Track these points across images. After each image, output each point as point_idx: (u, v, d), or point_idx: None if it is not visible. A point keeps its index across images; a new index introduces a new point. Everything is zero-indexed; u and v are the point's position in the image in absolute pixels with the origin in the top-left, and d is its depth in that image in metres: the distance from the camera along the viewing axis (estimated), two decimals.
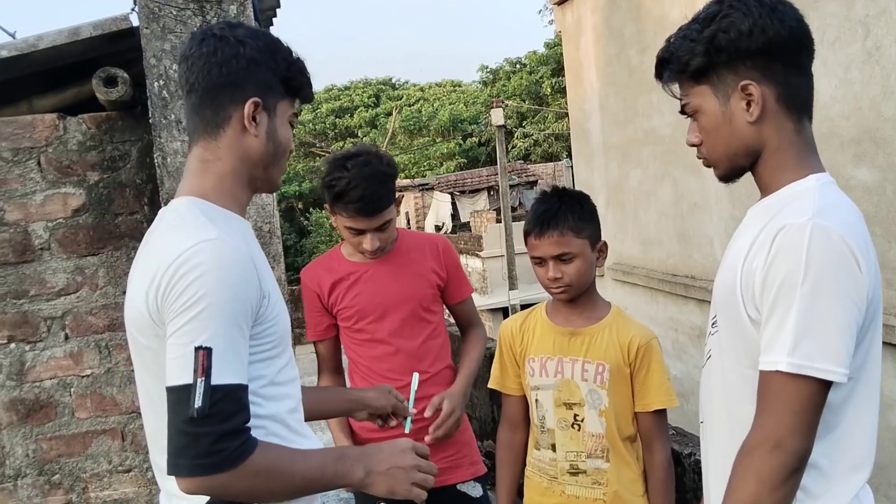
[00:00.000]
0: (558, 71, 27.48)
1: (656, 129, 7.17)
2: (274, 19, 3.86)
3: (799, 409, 1.38)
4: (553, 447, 2.29)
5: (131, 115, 2.84)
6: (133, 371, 1.63)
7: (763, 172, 1.55)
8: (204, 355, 1.33)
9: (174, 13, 2.64)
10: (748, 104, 1.49)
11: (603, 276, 8.62)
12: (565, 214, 2.21)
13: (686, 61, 1.54)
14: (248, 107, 1.53)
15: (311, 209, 32.30)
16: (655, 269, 7.63)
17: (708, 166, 1.63)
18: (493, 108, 20.81)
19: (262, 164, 1.59)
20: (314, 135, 37.41)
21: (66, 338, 2.84)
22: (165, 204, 2.62)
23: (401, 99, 40.43)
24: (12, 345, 2.80)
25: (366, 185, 2.35)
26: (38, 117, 2.78)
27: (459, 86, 43.06)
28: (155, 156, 2.64)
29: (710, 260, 6.73)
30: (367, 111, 39.26)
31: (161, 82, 2.65)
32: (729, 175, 1.60)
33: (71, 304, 2.84)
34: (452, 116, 35.55)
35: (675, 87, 1.62)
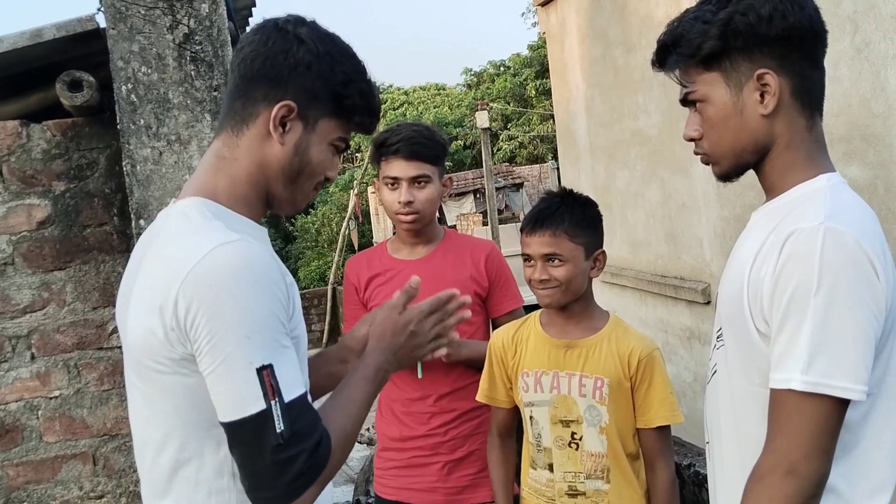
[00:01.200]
0: (542, 73, 27.47)
1: (643, 129, 7.11)
2: (250, 19, 3.72)
3: (814, 430, 1.28)
4: (550, 467, 2.17)
5: (99, 120, 2.71)
6: (105, 391, 1.48)
7: (770, 171, 1.46)
8: (268, 375, 1.22)
9: (142, 13, 2.51)
10: (762, 95, 1.40)
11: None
12: (562, 215, 2.12)
13: (698, 45, 1.43)
14: (277, 108, 1.37)
15: (296, 215, 32.02)
16: (644, 270, 7.57)
17: (707, 163, 1.53)
18: (477, 110, 20.74)
19: (282, 177, 1.41)
20: None
21: (33, 357, 2.70)
22: (135, 214, 2.49)
23: (385, 103, 40.28)
24: None
25: (410, 133, 2.40)
26: (0, 125, 2.64)
27: (444, 89, 43.01)
28: (123, 163, 2.51)
29: (699, 261, 6.67)
30: None
31: (129, 86, 2.52)
32: (731, 173, 1.50)
33: (37, 321, 2.69)
34: (437, 119, 35.43)
35: (676, 75, 1.51)
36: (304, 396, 1.28)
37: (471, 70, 38.37)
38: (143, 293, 1.32)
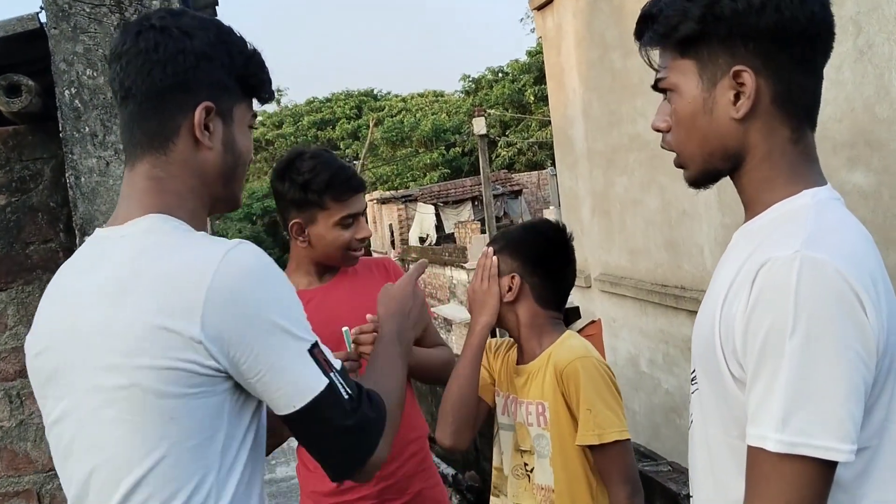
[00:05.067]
0: (541, 79, 27.30)
1: (641, 134, 7.01)
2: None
3: (795, 496, 1.07)
4: (510, 496, 2.03)
5: (43, 129, 2.48)
6: None
7: (746, 185, 1.25)
8: (318, 352, 1.25)
9: (87, 10, 2.30)
10: (736, 96, 1.19)
11: (590, 286, 8.41)
12: (506, 234, 2.12)
13: (674, 24, 1.22)
14: (198, 113, 1.27)
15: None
16: (644, 279, 7.46)
17: (678, 165, 1.32)
18: (475, 117, 20.56)
19: (221, 180, 1.34)
20: None
21: None
22: (80, 230, 2.27)
23: (383, 110, 40.24)
24: None
25: (344, 165, 2.25)
26: None
27: (442, 96, 42.97)
28: (67, 175, 2.30)
29: (700, 269, 6.57)
30: (348, 123, 39.13)
31: (73, 90, 2.30)
32: (700, 179, 1.30)
33: None
34: (435, 126, 35.41)
35: (655, 55, 1.30)
36: (341, 363, 1.32)
37: (469, 76, 38.29)
38: (144, 312, 1.18)
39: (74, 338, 1.25)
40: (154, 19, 1.28)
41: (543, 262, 2.03)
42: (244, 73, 1.33)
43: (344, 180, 2.18)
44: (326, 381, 1.23)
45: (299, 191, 2.16)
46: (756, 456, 1.10)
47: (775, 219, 1.20)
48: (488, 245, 2.08)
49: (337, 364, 1.28)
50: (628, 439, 1.91)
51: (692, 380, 1.32)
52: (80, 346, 1.24)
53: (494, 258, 2.00)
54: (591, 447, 1.89)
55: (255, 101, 1.41)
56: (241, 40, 1.35)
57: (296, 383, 1.22)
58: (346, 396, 1.25)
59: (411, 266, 1.82)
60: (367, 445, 1.29)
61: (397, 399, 1.42)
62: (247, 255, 1.22)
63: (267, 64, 1.39)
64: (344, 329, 2.08)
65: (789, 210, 1.19)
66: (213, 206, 1.38)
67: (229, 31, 1.34)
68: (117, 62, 1.29)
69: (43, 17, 2.37)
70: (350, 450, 1.28)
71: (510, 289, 1.99)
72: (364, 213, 2.28)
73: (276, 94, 1.49)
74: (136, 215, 1.27)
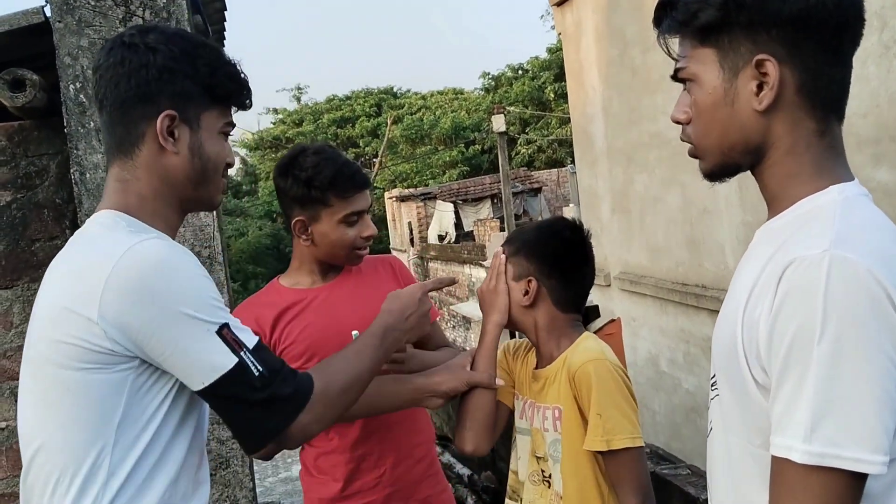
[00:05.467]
0: (561, 76, 27.17)
1: (662, 131, 6.92)
2: (225, 13, 3.46)
3: None
4: (527, 502, 1.95)
5: (49, 124, 2.45)
6: None
7: (769, 180, 1.19)
8: (228, 332, 1.32)
9: (92, 4, 2.27)
10: (759, 87, 1.13)
11: (610, 285, 8.33)
12: (521, 234, 2.03)
13: (694, 11, 1.17)
14: (160, 121, 1.40)
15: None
16: (664, 278, 7.38)
17: (693, 155, 1.26)
18: (494, 114, 20.47)
19: (189, 183, 1.45)
20: None
21: None
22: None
23: (402, 108, 40.19)
24: None
25: (348, 161, 2.20)
26: None
27: (461, 93, 42.83)
28: (72, 171, 2.26)
29: (721, 268, 6.48)
30: (368, 121, 39.08)
31: (78, 84, 2.27)
32: (717, 172, 1.24)
33: None
34: (454, 124, 35.31)
35: (674, 44, 1.25)
36: (259, 341, 1.39)
37: (489, 74, 38.15)
38: (57, 296, 1.33)
39: (31, 321, 1.41)
40: (126, 36, 1.42)
41: (560, 263, 1.94)
42: (210, 82, 1.43)
43: (348, 176, 2.11)
44: (235, 359, 1.31)
45: (302, 187, 2.10)
46: (781, 467, 1.04)
47: (800, 216, 1.14)
48: (502, 245, 2.02)
49: (251, 343, 1.36)
50: (641, 447, 1.83)
51: (712, 385, 1.26)
52: (31, 327, 1.40)
53: (502, 257, 1.95)
54: (602, 453, 1.81)
55: (230, 110, 1.51)
56: (213, 53, 1.46)
57: (202, 362, 1.31)
58: (257, 374, 1.33)
59: (440, 276, 1.84)
60: (278, 419, 1.38)
61: (346, 382, 1.52)
62: (149, 249, 1.30)
63: (241, 75, 1.50)
64: (354, 333, 2.05)
65: (815, 207, 1.13)
66: (184, 207, 1.50)
67: (198, 44, 1.45)
68: (95, 75, 1.44)
69: (48, 11, 2.34)
70: (260, 422, 1.36)
71: (527, 293, 1.92)
72: (369, 210, 2.20)
73: (250, 102, 1.55)
74: (99, 210, 1.42)
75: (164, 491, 1.34)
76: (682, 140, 1.27)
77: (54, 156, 2.46)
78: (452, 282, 2.03)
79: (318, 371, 1.49)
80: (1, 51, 2.42)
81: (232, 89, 1.48)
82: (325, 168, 2.09)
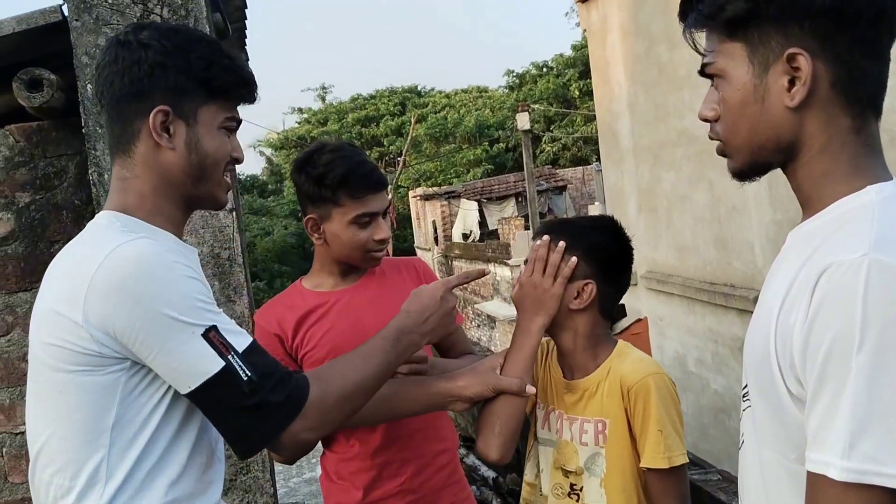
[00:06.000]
0: (586, 73, 27.02)
1: (689, 128, 6.83)
2: (246, 10, 3.43)
3: None
4: None
5: (67, 125, 2.42)
6: None
7: (803, 180, 1.13)
8: (215, 335, 1.29)
9: (109, 2, 2.24)
10: (791, 82, 1.07)
11: (636, 284, 8.24)
12: (568, 228, 1.86)
13: (721, 4, 1.11)
14: (153, 117, 1.38)
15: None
16: (692, 277, 7.30)
17: (721, 153, 1.20)
18: (518, 112, 20.39)
19: (187, 179, 1.43)
20: None
21: None
22: None
23: (426, 106, 40.17)
24: None
25: (365, 160, 2.11)
26: None
27: (485, 91, 42.73)
28: (90, 171, 2.23)
29: (750, 267, 6.39)
30: (392, 119, 39.09)
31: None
32: (746, 171, 1.18)
33: (1, 348, 2.41)
34: (478, 122, 35.23)
35: (701, 38, 1.18)
36: (255, 342, 1.35)
37: (513, 72, 38.01)
38: (47, 298, 1.35)
39: (31, 320, 1.42)
40: (121, 35, 1.42)
41: (616, 267, 1.84)
42: (206, 76, 1.40)
43: (361, 176, 2.04)
44: (222, 363, 1.28)
45: (314, 185, 2.04)
46: (817, 484, 0.98)
47: (836, 218, 1.07)
48: (548, 235, 1.83)
49: (241, 346, 1.31)
50: (687, 462, 1.77)
51: (744, 395, 1.19)
52: (30, 328, 1.40)
53: (573, 259, 1.77)
54: (651, 469, 1.73)
55: (231, 104, 1.47)
56: (208, 47, 1.43)
57: (187, 365, 1.28)
58: (245, 378, 1.29)
59: (469, 269, 1.77)
60: (268, 427, 1.34)
61: (348, 389, 1.46)
62: (132, 249, 1.29)
63: (241, 68, 1.46)
64: None
65: (852, 208, 1.06)
66: (188, 204, 1.48)
67: (193, 38, 1.44)
68: (95, 74, 1.45)
69: (66, 10, 2.31)
70: (249, 429, 1.33)
71: (578, 295, 1.78)
72: (386, 212, 2.13)
73: (252, 95, 1.51)
74: (100, 213, 1.43)
75: (166, 491, 1.32)
76: (711, 138, 1.21)
77: (73, 156, 2.43)
78: (482, 273, 1.90)
79: (317, 376, 1.44)
80: (18, 50, 2.39)
81: (230, 82, 1.45)
82: (337, 166, 2.03)
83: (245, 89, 1.48)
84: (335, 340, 2.06)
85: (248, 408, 1.30)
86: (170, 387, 1.32)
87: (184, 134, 1.41)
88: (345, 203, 2.03)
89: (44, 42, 2.40)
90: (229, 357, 1.29)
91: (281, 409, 1.34)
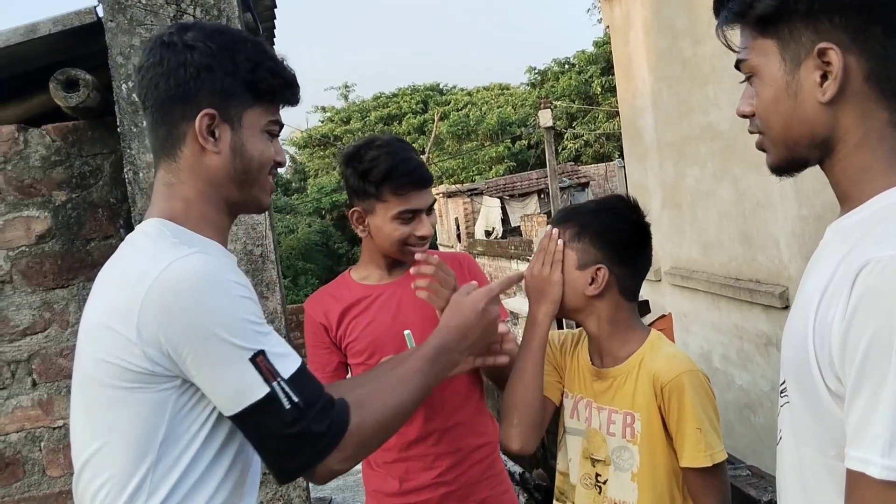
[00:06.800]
0: (608, 69, 26.90)
1: (714, 124, 6.80)
2: (275, 10, 3.46)
3: None
4: None
5: (102, 124, 2.47)
6: None
7: (840, 175, 1.12)
8: (262, 360, 1.27)
9: (143, 2, 2.28)
10: (823, 77, 1.07)
11: (660, 280, 8.21)
12: (581, 216, 1.86)
13: (750, 2, 1.12)
14: (199, 121, 1.36)
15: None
16: (717, 273, 7.25)
17: (761, 148, 1.20)
18: (541, 109, 20.34)
19: (233, 183, 1.41)
20: None
21: (34, 384, 2.47)
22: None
23: (448, 104, 40.15)
24: None
25: (411, 156, 2.11)
26: None
27: (507, 89, 42.65)
28: (125, 170, 2.27)
29: (776, 262, 6.34)
30: (415, 118, 39.12)
31: (130, 84, 2.28)
32: (783, 166, 1.18)
33: (38, 344, 2.47)
34: (500, 120, 35.18)
35: (734, 35, 1.19)
36: (302, 367, 1.32)
37: (535, 68, 37.86)
38: (99, 311, 1.32)
39: (81, 330, 1.40)
40: (165, 35, 1.39)
41: (628, 248, 1.83)
42: (252, 78, 1.38)
43: (404, 173, 2.05)
44: (267, 389, 1.26)
45: (359, 179, 2.07)
46: (857, 482, 0.98)
47: (876, 213, 1.07)
48: (554, 225, 1.87)
49: (287, 371, 1.29)
50: (726, 457, 1.77)
51: (782, 392, 1.19)
52: (79, 338, 1.39)
53: (559, 243, 1.81)
54: (691, 468, 1.73)
55: (276, 107, 1.45)
56: (255, 48, 1.41)
57: (232, 389, 1.27)
58: (289, 406, 1.27)
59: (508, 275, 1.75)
60: (307, 456, 1.31)
61: (386, 417, 1.42)
62: (188, 266, 1.26)
63: (286, 70, 1.44)
64: (406, 332, 2.02)
65: (891, 203, 1.06)
66: (233, 209, 1.46)
67: (238, 40, 1.41)
68: (137, 76, 1.42)
69: (100, 11, 2.35)
70: (288, 457, 1.31)
71: (593, 281, 1.79)
72: (429, 209, 2.12)
73: (296, 98, 1.48)
74: (148, 218, 1.40)
75: None
76: (751, 132, 1.21)
77: (108, 155, 2.48)
78: (521, 278, 1.88)
79: (358, 403, 1.39)
80: (55, 51, 2.44)
81: (275, 85, 1.42)
82: (382, 162, 2.04)
83: (289, 91, 1.46)
84: (376, 332, 2.11)
85: (289, 437, 1.28)
86: (212, 409, 1.32)
87: (229, 138, 1.39)
88: (388, 199, 2.05)
89: (79, 42, 2.45)
90: (274, 383, 1.27)
91: (321, 440, 1.31)
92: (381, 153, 2.06)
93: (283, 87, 1.44)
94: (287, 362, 1.30)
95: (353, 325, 2.14)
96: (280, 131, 1.48)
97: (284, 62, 1.46)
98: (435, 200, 2.16)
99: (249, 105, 1.40)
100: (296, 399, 1.27)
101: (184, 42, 1.36)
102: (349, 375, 2.21)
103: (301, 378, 1.31)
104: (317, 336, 2.20)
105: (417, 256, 1.98)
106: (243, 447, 1.38)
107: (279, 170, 1.52)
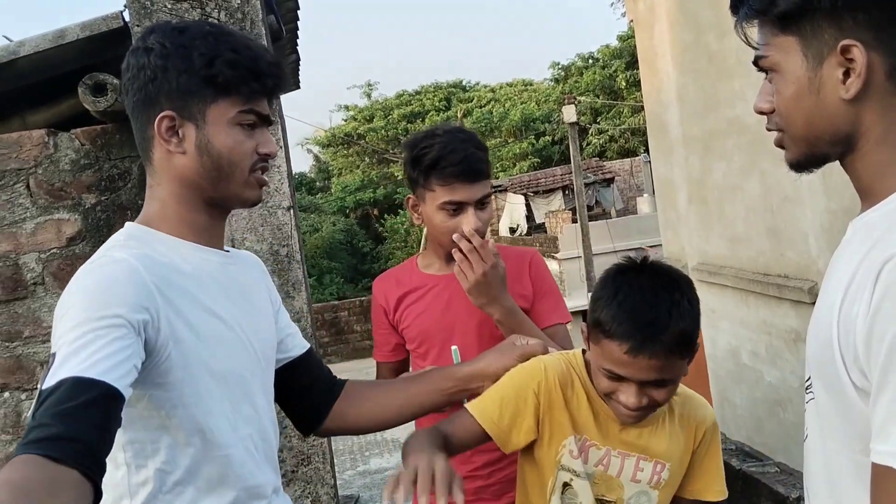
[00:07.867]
0: (632, 64, 26.79)
1: (740, 118, 6.73)
2: (298, 11, 3.48)
3: None
4: None
5: (130, 127, 2.47)
6: None
7: (862, 171, 1.12)
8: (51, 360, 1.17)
9: (168, 7, 2.30)
10: (846, 74, 1.07)
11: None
12: (678, 324, 1.54)
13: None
14: (157, 124, 1.36)
15: (385, 215, 32.37)
16: (745, 268, 7.18)
17: (779, 145, 1.20)
18: (564, 105, 20.28)
19: (204, 181, 1.39)
20: (386, 141, 37.40)
21: None
22: None
23: (471, 101, 40.14)
24: (6, 394, 2.49)
25: (464, 147, 2.07)
26: (25, 134, 2.46)
27: (531, 84, 42.54)
28: None
29: (804, 257, 6.28)
30: (438, 115, 39.12)
31: None
32: (803, 162, 1.19)
33: None
34: (524, 116, 35.13)
35: (753, 31, 1.19)
36: (75, 381, 1.11)
37: (558, 64, 37.86)
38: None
39: None
40: (136, 42, 1.40)
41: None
42: (208, 73, 1.34)
43: (452, 164, 2.03)
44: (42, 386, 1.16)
45: (410, 167, 2.10)
46: (883, 476, 0.98)
47: None
48: (642, 347, 1.55)
49: (52, 383, 1.11)
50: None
51: (807, 388, 1.19)
52: None
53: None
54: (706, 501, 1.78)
55: (241, 97, 1.38)
56: (213, 41, 1.36)
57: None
58: (33, 409, 1.13)
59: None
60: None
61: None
62: (83, 271, 1.27)
63: (249, 60, 1.37)
64: (453, 348, 2.04)
65: None
66: (216, 207, 1.44)
67: (198, 36, 1.36)
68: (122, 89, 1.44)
69: (127, 16, 2.38)
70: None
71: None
72: (481, 203, 2.08)
73: (260, 86, 1.40)
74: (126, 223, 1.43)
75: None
76: (769, 129, 1.21)
77: (135, 158, 2.50)
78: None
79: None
80: (83, 56, 2.48)
81: (234, 76, 1.36)
82: (431, 151, 2.04)
83: (256, 82, 1.38)
84: (425, 323, 2.14)
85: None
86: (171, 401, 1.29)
87: (194, 136, 1.36)
88: (434, 188, 2.06)
89: (107, 47, 2.48)
90: (43, 387, 1.16)
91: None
92: (436, 142, 2.07)
93: (244, 78, 1.37)
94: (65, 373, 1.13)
95: (407, 312, 2.18)
96: (262, 121, 1.42)
97: (250, 52, 1.39)
98: (489, 195, 2.12)
99: (212, 100, 1.36)
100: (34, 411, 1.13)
101: (145, 45, 1.37)
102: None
103: (60, 395, 1.11)
104: (378, 316, 2.26)
105: (456, 235, 2.00)
106: (207, 442, 1.33)
107: (271, 161, 1.48)
